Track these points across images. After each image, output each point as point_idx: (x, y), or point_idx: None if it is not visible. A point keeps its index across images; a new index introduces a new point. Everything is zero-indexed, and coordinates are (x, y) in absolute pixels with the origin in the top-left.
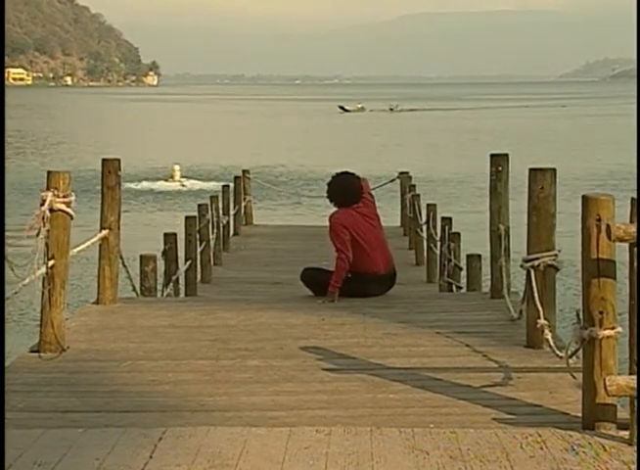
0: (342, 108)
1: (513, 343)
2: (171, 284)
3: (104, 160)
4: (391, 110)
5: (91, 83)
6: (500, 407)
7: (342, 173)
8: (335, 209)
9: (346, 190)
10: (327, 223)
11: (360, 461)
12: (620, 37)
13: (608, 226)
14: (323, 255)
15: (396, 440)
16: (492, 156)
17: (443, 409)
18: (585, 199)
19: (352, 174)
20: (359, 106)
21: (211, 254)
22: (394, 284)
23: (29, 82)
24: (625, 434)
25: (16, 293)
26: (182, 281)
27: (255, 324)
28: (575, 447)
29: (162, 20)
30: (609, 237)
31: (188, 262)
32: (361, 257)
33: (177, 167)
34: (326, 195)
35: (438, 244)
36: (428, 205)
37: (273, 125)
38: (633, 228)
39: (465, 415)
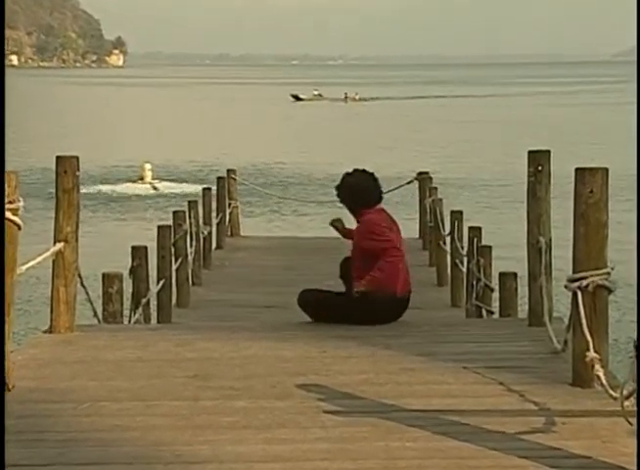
0: (294, 96)
1: (556, 380)
2: (140, 308)
3: (58, 157)
4: (346, 98)
5: (42, 63)
6: (541, 459)
7: (356, 171)
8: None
9: (367, 188)
10: (332, 234)
11: None
12: None
13: None
14: (325, 273)
15: None
16: (531, 153)
17: (471, 461)
18: None
19: (371, 173)
20: (316, 93)
21: (189, 271)
22: (406, 309)
23: None
24: None
25: None
26: (154, 305)
27: (243, 357)
28: None
29: None
30: None
31: (161, 282)
32: (384, 269)
33: (148, 166)
34: (340, 197)
35: (465, 260)
36: (452, 212)
37: (261, 115)
38: None
39: (497, 468)
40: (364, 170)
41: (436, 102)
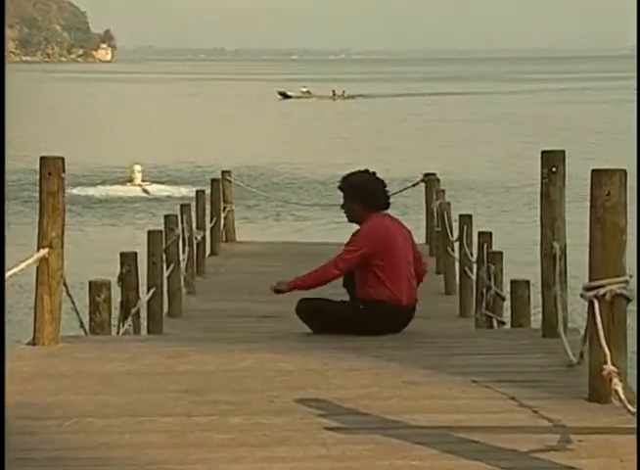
0: (282, 94)
1: (571, 395)
2: (130, 318)
3: (42, 158)
4: (333, 95)
5: (25, 58)
6: None
7: (364, 172)
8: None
9: (375, 190)
10: (332, 239)
11: None
12: None
13: None
14: None
15: None
16: (544, 153)
17: None
18: None
19: (381, 180)
20: (304, 90)
21: (182, 279)
22: (411, 319)
23: None
24: None
25: None
26: (144, 314)
27: (238, 370)
28: None
29: None
30: None
31: (152, 291)
32: (387, 278)
33: (138, 168)
34: (344, 197)
35: (475, 266)
36: (461, 216)
37: (257, 112)
38: None
39: None
40: (373, 173)
41: (434, 99)
